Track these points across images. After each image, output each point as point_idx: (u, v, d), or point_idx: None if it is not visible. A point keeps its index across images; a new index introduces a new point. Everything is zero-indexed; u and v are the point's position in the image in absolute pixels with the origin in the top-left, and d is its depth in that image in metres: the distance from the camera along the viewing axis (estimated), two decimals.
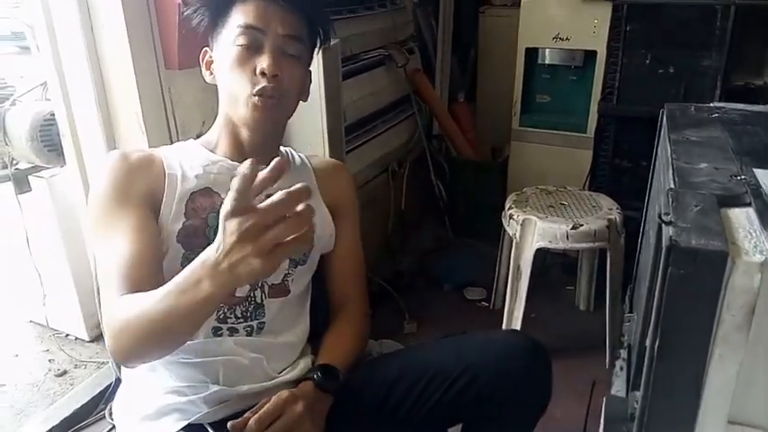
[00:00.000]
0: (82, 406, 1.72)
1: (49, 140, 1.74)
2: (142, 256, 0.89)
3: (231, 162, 1.03)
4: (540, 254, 1.90)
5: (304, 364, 1.06)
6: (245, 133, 1.03)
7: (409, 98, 2.59)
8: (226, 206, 0.68)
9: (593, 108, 2.38)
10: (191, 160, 1.03)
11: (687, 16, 2.06)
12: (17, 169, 1.89)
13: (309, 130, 1.67)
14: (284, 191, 0.66)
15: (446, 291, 2.42)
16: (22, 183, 1.89)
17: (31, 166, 1.89)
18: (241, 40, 0.97)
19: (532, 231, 1.86)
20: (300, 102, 1.07)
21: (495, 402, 0.98)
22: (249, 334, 1.01)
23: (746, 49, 2.09)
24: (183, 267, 0.76)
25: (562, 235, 1.82)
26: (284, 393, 0.92)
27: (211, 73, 1.06)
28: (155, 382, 0.98)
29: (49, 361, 2.02)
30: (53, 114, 1.66)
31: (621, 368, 1.24)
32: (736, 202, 0.82)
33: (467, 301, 2.36)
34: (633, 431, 0.85)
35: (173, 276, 0.77)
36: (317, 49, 1.09)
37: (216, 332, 0.99)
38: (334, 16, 2.01)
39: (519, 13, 2.51)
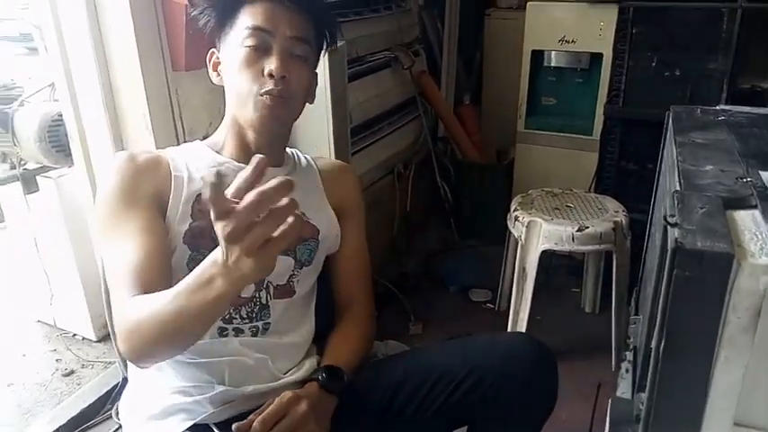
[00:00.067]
0: (89, 405, 1.73)
1: (56, 141, 1.75)
2: (151, 258, 0.89)
3: (237, 163, 1.03)
4: (546, 256, 1.90)
5: (309, 364, 1.06)
6: (251, 135, 1.03)
7: (415, 100, 2.59)
8: (211, 213, 0.68)
9: (599, 110, 2.37)
10: (197, 162, 1.03)
11: (693, 19, 2.06)
12: (25, 169, 1.91)
13: (315, 132, 1.68)
14: (257, 189, 0.66)
15: (451, 292, 2.42)
16: (30, 183, 1.90)
17: (39, 166, 1.90)
18: (249, 42, 0.97)
19: (538, 233, 1.86)
20: (307, 104, 1.07)
21: (500, 404, 0.98)
22: (254, 334, 1.01)
23: (753, 52, 2.09)
24: (189, 268, 0.76)
25: (568, 237, 1.81)
26: (288, 394, 0.92)
27: (218, 74, 1.06)
28: (161, 383, 0.99)
29: (57, 361, 2.03)
30: (61, 115, 1.67)
31: (627, 370, 1.24)
32: (742, 204, 0.81)
33: (472, 302, 2.36)
34: None
35: (178, 278, 0.77)
36: (323, 52, 1.10)
37: (221, 333, 0.99)
38: (341, 18, 2.02)
39: (525, 16, 2.51)
